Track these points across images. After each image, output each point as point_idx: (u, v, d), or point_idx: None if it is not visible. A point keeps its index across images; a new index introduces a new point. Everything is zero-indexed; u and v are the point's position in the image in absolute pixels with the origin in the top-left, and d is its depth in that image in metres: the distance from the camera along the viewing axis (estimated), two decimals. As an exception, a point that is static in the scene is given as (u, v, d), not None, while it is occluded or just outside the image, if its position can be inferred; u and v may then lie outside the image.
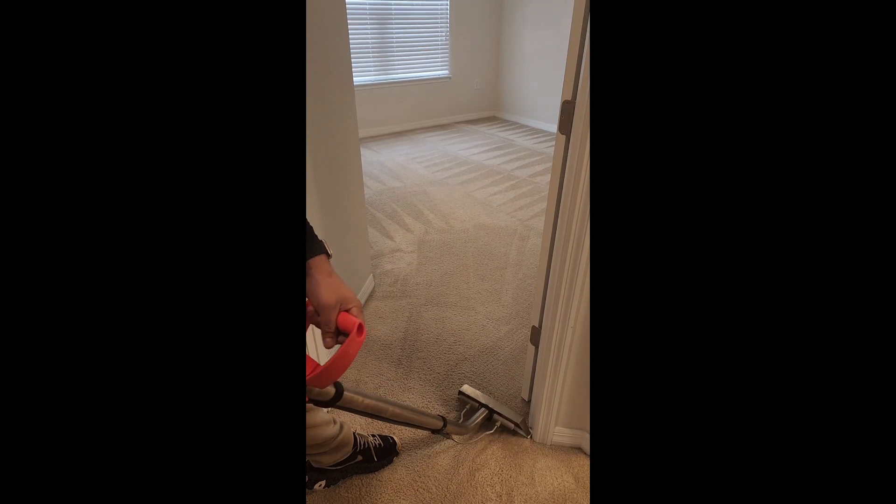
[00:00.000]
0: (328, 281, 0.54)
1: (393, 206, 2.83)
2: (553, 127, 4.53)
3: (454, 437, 1.09)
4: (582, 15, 0.80)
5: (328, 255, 0.58)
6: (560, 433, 1.25)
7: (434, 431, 0.97)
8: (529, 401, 1.35)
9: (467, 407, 1.34)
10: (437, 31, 4.48)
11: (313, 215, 1.35)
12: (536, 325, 1.23)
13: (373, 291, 1.96)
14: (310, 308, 0.56)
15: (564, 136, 0.92)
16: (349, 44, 1.50)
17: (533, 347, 1.27)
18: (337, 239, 1.56)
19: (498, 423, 1.30)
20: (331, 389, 0.61)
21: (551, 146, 4.09)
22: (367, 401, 0.70)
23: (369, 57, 4.17)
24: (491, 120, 5.07)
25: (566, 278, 1.00)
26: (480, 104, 5.09)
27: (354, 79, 4.14)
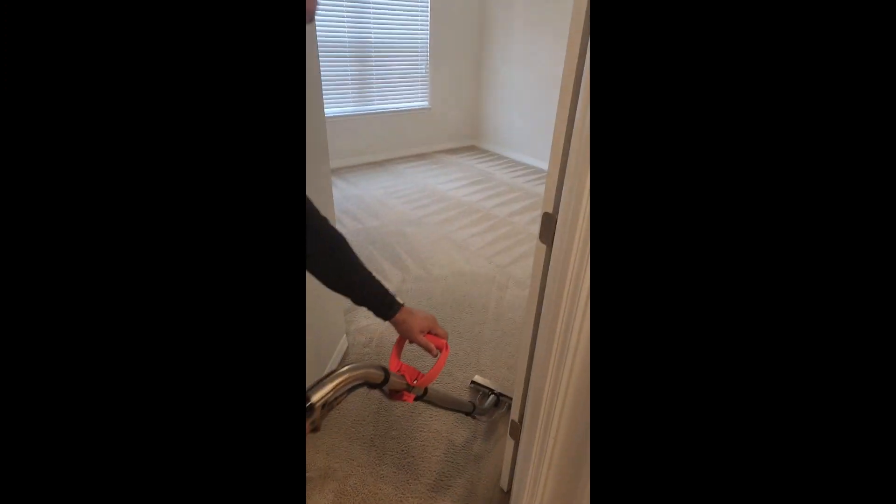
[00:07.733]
0: (412, 319, 0.85)
1: (370, 248, 2.76)
2: (531, 160, 4.55)
3: (479, 417, 1.38)
4: (564, 128, 0.76)
5: (401, 304, 0.84)
6: (541, 532, 1.18)
7: (467, 413, 1.24)
8: (509, 492, 1.28)
9: (480, 393, 1.66)
10: (417, 63, 4.47)
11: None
12: (516, 420, 1.17)
13: (346, 353, 1.86)
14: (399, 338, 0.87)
15: (545, 246, 0.87)
16: (320, 74, 1.43)
17: (512, 441, 1.21)
18: (307, 291, 1.46)
19: (507, 404, 1.58)
20: (379, 374, 0.77)
21: (528, 181, 4.09)
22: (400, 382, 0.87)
23: (348, 88, 4.12)
24: (470, 150, 5.07)
25: (550, 378, 0.94)
26: (460, 134, 5.09)
27: (333, 109, 4.12)
